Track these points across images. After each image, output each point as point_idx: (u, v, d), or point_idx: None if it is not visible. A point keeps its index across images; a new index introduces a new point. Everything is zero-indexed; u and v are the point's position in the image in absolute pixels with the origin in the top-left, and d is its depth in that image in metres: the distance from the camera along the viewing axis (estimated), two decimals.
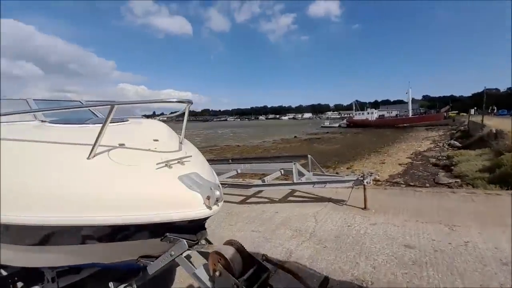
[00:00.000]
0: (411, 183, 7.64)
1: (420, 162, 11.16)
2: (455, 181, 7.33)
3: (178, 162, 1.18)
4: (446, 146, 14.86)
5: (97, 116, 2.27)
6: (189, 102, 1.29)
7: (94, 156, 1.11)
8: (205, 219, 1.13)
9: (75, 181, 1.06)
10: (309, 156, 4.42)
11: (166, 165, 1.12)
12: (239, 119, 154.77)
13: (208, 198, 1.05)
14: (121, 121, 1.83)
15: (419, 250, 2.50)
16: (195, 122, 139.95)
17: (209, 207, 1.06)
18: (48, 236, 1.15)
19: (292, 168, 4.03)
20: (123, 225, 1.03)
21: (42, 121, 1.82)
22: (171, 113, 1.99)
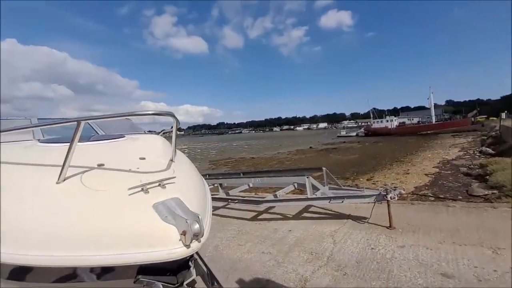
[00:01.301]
0: (441, 196, 6.92)
1: (449, 171, 10.25)
2: (492, 193, 6.55)
3: (159, 185, 1.01)
4: (477, 154, 13.65)
5: (97, 133, 2.20)
6: (169, 114, 1.14)
7: (64, 180, 0.97)
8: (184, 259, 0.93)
9: (39, 210, 0.92)
10: (323, 168, 4.11)
11: (142, 189, 0.96)
12: (253, 131, 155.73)
13: (184, 233, 0.85)
14: (116, 138, 1.73)
15: (459, 279, 2.09)
16: (210, 135, 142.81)
17: (187, 245, 0.86)
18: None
19: (305, 182, 3.74)
20: (81, 267, 0.85)
21: (39, 140, 1.76)
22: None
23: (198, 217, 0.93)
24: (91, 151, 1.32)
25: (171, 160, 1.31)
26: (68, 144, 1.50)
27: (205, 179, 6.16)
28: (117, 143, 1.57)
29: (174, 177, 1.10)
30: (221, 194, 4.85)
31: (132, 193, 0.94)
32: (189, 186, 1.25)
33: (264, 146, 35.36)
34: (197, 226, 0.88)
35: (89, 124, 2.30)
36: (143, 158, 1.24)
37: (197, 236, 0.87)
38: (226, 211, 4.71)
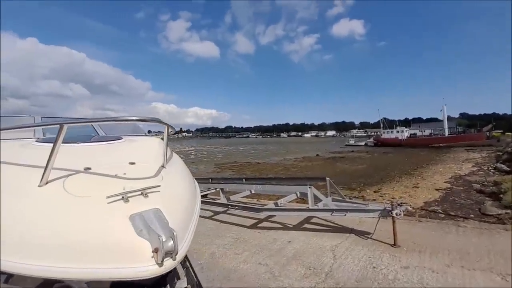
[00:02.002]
0: (452, 213, 6.63)
1: (462, 187, 9.83)
2: (506, 212, 6.20)
3: (141, 194, 0.96)
4: (492, 170, 13.09)
5: (98, 134, 2.20)
6: (155, 120, 1.09)
7: (46, 183, 0.94)
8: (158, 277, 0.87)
9: (15, 212, 0.88)
10: (327, 178, 4.00)
11: (122, 197, 0.91)
12: (261, 136, 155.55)
13: (156, 251, 0.79)
14: (113, 140, 1.71)
15: None
16: (218, 138, 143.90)
17: (159, 263, 0.80)
18: None
19: (307, 192, 3.64)
20: (52, 278, 0.81)
21: (37, 139, 1.75)
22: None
23: (173, 233, 0.87)
24: (83, 153, 1.29)
25: (162, 166, 1.27)
26: (65, 144, 1.49)
27: (208, 183, 6.14)
28: (111, 146, 1.54)
29: (159, 186, 1.05)
30: (222, 199, 4.80)
31: (111, 202, 0.89)
32: (175, 196, 1.20)
33: (270, 152, 35.23)
34: (170, 243, 0.82)
35: (92, 125, 2.30)
36: (133, 163, 1.20)
37: (171, 254, 0.82)
38: (226, 216, 4.64)
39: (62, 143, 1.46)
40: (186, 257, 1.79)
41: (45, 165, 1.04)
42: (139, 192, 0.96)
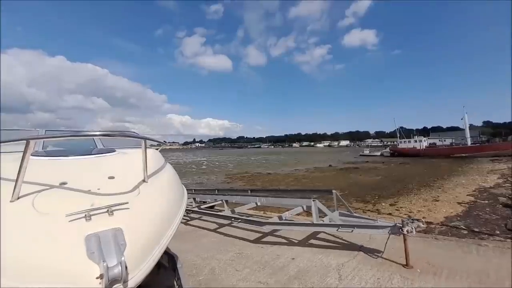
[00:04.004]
0: (476, 229, 6.12)
1: (486, 201, 9.13)
2: None
3: (107, 211, 0.92)
4: None
5: (97, 147, 2.24)
6: (123, 134, 1.08)
7: (18, 198, 0.93)
8: None
9: None
10: (334, 191, 3.83)
11: (85, 215, 0.88)
12: (272, 146, 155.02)
13: (101, 277, 0.74)
14: (105, 153, 1.72)
15: None
16: (230, 148, 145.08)
17: None
18: None
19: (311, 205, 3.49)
20: None
21: (33, 152, 1.80)
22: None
23: (122, 259, 0.82)
24: (67, 166, 1.30)
25: (143, 181, 1.24)
26: (53, 157, 1.51)
27: (214, 194, 6.09)
28: (99, 159, 1.55)
29: (127, 203, 1.01)
30: (226, 211, 4.72)
31: (71, 220, 0.87)
32: (147, 214, 1.15)
33: (282, 162, 34.88)
34: (117, 270, 0.77)
35: (93, 138, 2.36)
36: (112, 177, 1.18)
37: (118, 281, 0.76)
38: (230, 229, 4.55)
39: (52, 156, 1.49)
40: (177, 274, 1.73)
41: (26, 180, 1.04)
42: (105, 210, 0.93)
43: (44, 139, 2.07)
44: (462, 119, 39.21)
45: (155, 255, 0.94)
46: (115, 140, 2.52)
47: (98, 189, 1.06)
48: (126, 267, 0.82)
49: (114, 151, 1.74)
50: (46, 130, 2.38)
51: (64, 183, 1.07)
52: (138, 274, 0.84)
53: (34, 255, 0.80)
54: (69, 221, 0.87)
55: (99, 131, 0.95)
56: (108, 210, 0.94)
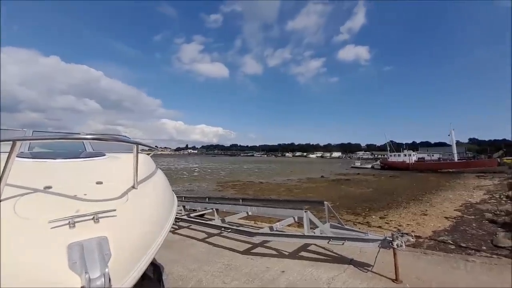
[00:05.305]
0: (463, 244, 6.21)
1: (473, 216, 9.33)
2: None
3: (92, 219, 0.88)
4: (504, 198, 12.47)
5: (86, 150, 2.17)
6: (115, 139, 1.05)
7: None
8: None
9: None
10: (326, 203, 3.82)
11: (68, 222, 0.83)
12: (265, 155, 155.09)
13: None
14: (94, 156, 1.67)
15: None
16: (223, 156, 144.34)
17: None
18: None
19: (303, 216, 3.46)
20: None
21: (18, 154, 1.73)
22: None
23: (106, 270, 0.78)
24: (54, 170, 1.24)
25: (133, 187, 1.20)
26: (40, 160, 1.45)
27: (204, 202, 5.97)
28: (88, 163, 1.49)
29: (115, 210, 0.97)
30: (216, 220, 4.62)
31: (54, 227, 0.82)
32: (133, 222, 1.10)
33: (274, 172, 34.86)
34: (100, 282, 0.73)
35: (83, 141, 2.29)
36: (100, 183, 1.14)
37: None
38: (219, 239, 4.44)
39: (38, 158, 1.43)
40: (162, 286, 1.65)
41: (8, 183, 0.99)
42: (91, 217, 0.88)
43: (30, 141, 2.00)
44: (449, 135, 40.52)
45: (141, 266, 0.89)
46: (105, 143, 2.45)
47: (85, 194, 1.01)
48: (109, 279, 0.77)
49: (103, 155, 1.69)
50: (33, 131, 2.30)
51: (49, 187, 1.02)
52: (122, 286, 0.79)
53: (10, 262, 0.75)
54: (51, 228, 0.82)
55: (89, 134, 0.92)
56: (94, 217, 0.90)
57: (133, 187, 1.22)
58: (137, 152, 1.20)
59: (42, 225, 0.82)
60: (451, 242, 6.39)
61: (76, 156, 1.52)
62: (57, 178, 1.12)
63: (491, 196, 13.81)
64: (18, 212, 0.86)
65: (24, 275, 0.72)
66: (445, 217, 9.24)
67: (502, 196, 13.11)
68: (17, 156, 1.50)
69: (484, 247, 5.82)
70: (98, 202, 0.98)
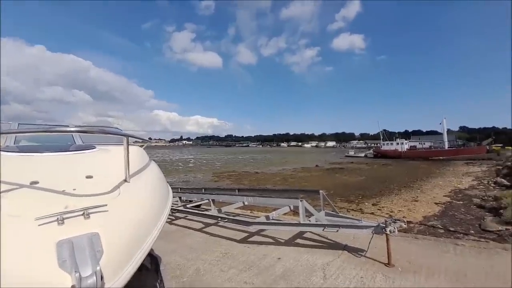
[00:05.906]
0: (451, 228, 6.45)
1: (461, 202, 9.65)
2: (506, 229, 6.02)
3: (82, 214, 0.85)
4: (492, 184, 12.91)
5: (75, 143, 2.11)
6: (102, 131, 1.01)
7: None
8: None
9: None
10: (321, 191, 3.87)
11: (57, 219, 0.80)
12: (261, 146, 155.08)
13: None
14: (84, 149, 1.61)
15: None
16: (218, 147, 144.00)
17: None
18: None
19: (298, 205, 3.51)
20: None
21: (3, 147, 1.67)
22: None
23: (98, 268, 0.75)
24: (41, 163, 1.20)
25: (125, 180, 1.17)
26: (26, 153, 1.40)
27: (201, 193, 5.98)
28: (76, 156, 1.44)
29: (106, 205, 0.95)
30: (213, 210, 4.65)
31: (42, 224, 0.79)
32: (126, 217, 1.06)
33: (269, 161, 35.06)
34: (91, 281, 0.71)
35: (72, 136, 2.21)
36: (90, 177, 1.10)
37: None
38: (216, 229, 4.49)
39: (24, 152, 1.38)
40: (159, 276, 1.66)
41: None
42: (80, 213, 0.85)
43: (16, 134, 1.92)
44: (440, 123, 41.27)
45: (135, 262, 0.88)
46: (96, 136, 2.38)
47: (74, 189, 0.97)
48: (102, 277, 0.75)
49: (94, 147, 1.63)
50: (19, 124, 2.21)
51: (36, 182, 0.98)
52: (116, 283, 0.78)
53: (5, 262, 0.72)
54: (39, 225, 0.79)
55: (77, 126, 0.88)
56: (84, 213, 0.86)
57: (125, 180, 1.18)
58: (128, 145, 1.16)
59: (29, 223, 0.79)
60: (441, 227, 6.62)
61: (65, 149, 1.47)
62: (44, 172, 1.08)
63: (479, 182, 14.26)
64: (3, 209, 0.83)
65: (11, 275, 0.69)
66: (435, 203, 9.54)
67: (490, 182, 13.57)
68: (2, 150, 1.44)
69: (472, 231, 6.05)
70: (88, 197, 0.95)
